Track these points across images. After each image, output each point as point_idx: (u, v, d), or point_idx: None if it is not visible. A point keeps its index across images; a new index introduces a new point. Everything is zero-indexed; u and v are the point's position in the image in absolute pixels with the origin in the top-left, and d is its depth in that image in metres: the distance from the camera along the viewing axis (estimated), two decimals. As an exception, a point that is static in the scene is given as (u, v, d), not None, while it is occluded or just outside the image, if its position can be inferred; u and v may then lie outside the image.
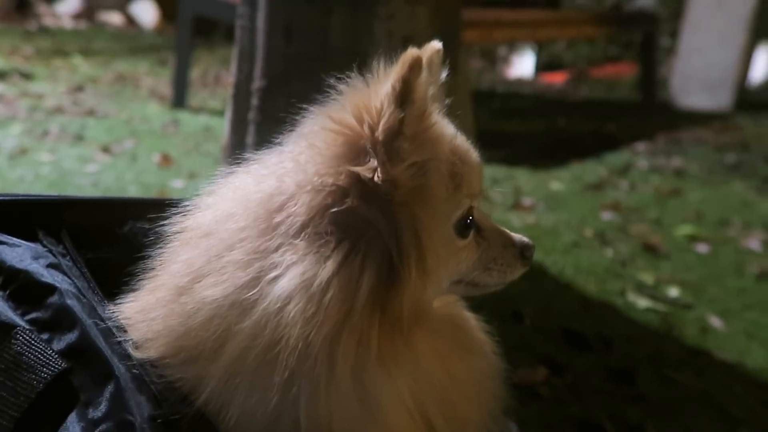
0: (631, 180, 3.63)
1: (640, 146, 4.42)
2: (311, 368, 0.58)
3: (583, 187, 3.48)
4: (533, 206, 3.12)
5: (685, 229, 2.87)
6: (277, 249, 0.60)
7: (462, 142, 0.71)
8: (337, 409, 0.59)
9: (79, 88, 4.85)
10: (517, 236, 0.74)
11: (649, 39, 5.73)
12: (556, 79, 7.33)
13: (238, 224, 0.63)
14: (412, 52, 0.59)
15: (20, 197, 0.80)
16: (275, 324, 0.58)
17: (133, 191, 2.79)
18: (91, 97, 4.61)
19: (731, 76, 5.57)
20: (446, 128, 0.70)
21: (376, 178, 0.59)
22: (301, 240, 0.60)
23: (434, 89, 0.72)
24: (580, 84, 7.02)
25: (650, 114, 5.52)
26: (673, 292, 2.26)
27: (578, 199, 3.27)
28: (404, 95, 0.59)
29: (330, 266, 0.58)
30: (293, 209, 0.61)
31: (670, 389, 1.68)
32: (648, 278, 2.35)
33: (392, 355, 0.61)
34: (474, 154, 0.71)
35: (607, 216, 3.03)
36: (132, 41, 7.34)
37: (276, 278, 0.59)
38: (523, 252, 0.73)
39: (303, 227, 0.60)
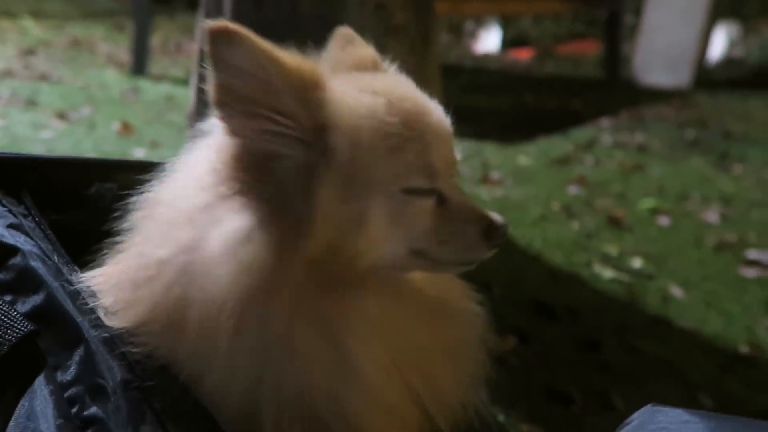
0: (595, 155, 3.69)
1: (605, 122, 4.50)
2: (264, 331, 0.58)
3: (549, 161, 3.52)
4: (501, 180, 3.14)
5: (647, 203, 2.94)
6: (211, 210, 0.60)
7: (415, 104, 0.65)
8: (308, 370, 0.58)
9: (30, 52, 4.62)
10: (487, 214, 0.67)
11: (614, 16, 5.79)
12: (523, 55, 7.36)
13: (185, 190, 0.63)
14: (211, 22, 0.55)
15: (-24, 153, 0.75)
16: (216, 288, 0.58)
17: (91, 160, 2.69)
18: (43, 62, 4.40)
19: (691, 54, 5.70)
20: (385, 89, 0.65)
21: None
22: (230, 200, 0.60)
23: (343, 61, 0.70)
24: (546, 60, 7.07)
25: (614, 91, 5.61)
26: (637, 263, 2.32)
27: (545, 174, 3.31)
28: (213, 62, 0.57)
29: (251, 222, 0.58)
30: (224, 172, 0.61)
31: (634, 357, 1.73)
32: (612, 250, 2.41)
33: (342, 315, 0.60)
34: (432, 119, 0.66)
35: (573, 190, 3.08)
36: (86, 5, 7.02)
37: (209, 240, 0.59)
38: (488, 231, 0.66)
39: (232, 188, 0.60)
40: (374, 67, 0.71)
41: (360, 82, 0.66)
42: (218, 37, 0.55)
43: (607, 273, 2.22)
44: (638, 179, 3.33)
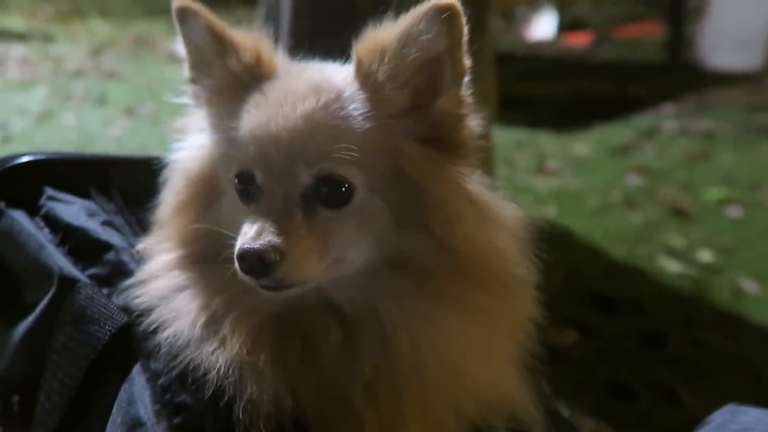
0: (658, 143, 3.56)
1: (668, 108, 4.32)
2: None
3: (608, 150, 3.42)
4: (557, 170, 3.08)
5: (715, 193, 2.82)
6: None
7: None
8: None
9: (99, 51, 4.83)
10: (251, 232, 0.57)
11: (678, -4, 5.54)
12: (579, 40, 7.14)
13: None
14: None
15: (73, 155, 0.80)
16: None
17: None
18: (110, 60, 4.60)
19: (764, 34, 5.38)
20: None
21: None
22: None
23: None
24: (604, 45, 6.84)
25: (678, 75, 5.37)
26: (705, 256, 2.24)
27: (604, 163, 3.23)
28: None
29: None
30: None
31: (703, 352, 1.68)
32: (678, 242, 2.33)
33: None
34: (254, 117, 0.61)
35: (633, 180, 2.99)
36: (148, 2, 7.26)
37: None
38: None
39: None
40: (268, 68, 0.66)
41: None
42: (181, 14, 0.65)
43: (673, 266, 2.15)
44: (705, 167, 3.19)
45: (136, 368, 0.60)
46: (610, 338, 1.74)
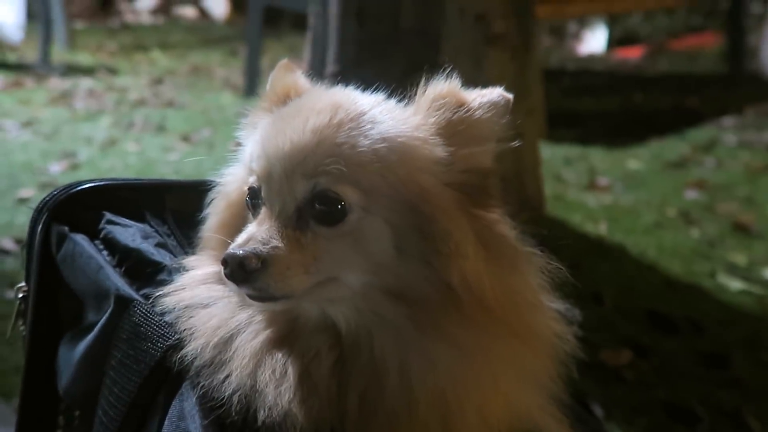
0: (717, 156, 3.43)
1: (727, 121, 4.16)
2: None
3: (663, 165, 3.32)
4: (610, 186, 3.01)
5: (779, 207, 2.70)
6: None
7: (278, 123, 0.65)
8: None
9: (159, 81, 5.07)
10: (240, 239, 0.60)
11: (738, 5, 5.36)
12: (632, 53, 6.99)
13: None
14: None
15: (130, 182, 0.86)
16: None
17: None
18: (169, 89, 4.81)
19: (830, 41, 5.13)
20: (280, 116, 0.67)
21: None
22: None
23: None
24: (659, 57, 6.67)
25: (738, 86, 5.17)
26: (770, 273, 2.14)
27: (659, 178, 3.13)
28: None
29: None
30: None
31: (769, 375, 1.60)
32: (740, 259, 2.23)
33: None
34: (271, 134, 0.63)
35: (691, 195, 2.88)
36: (205, 33, 7.59)
37: None
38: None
39: None
40: (297, 95, 0.70)
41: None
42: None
43: (735, 284, 2.06)
44: (768, 181, 3.05)
45: (186, 384, 0.62)
46: (668, 358, 1.67)
